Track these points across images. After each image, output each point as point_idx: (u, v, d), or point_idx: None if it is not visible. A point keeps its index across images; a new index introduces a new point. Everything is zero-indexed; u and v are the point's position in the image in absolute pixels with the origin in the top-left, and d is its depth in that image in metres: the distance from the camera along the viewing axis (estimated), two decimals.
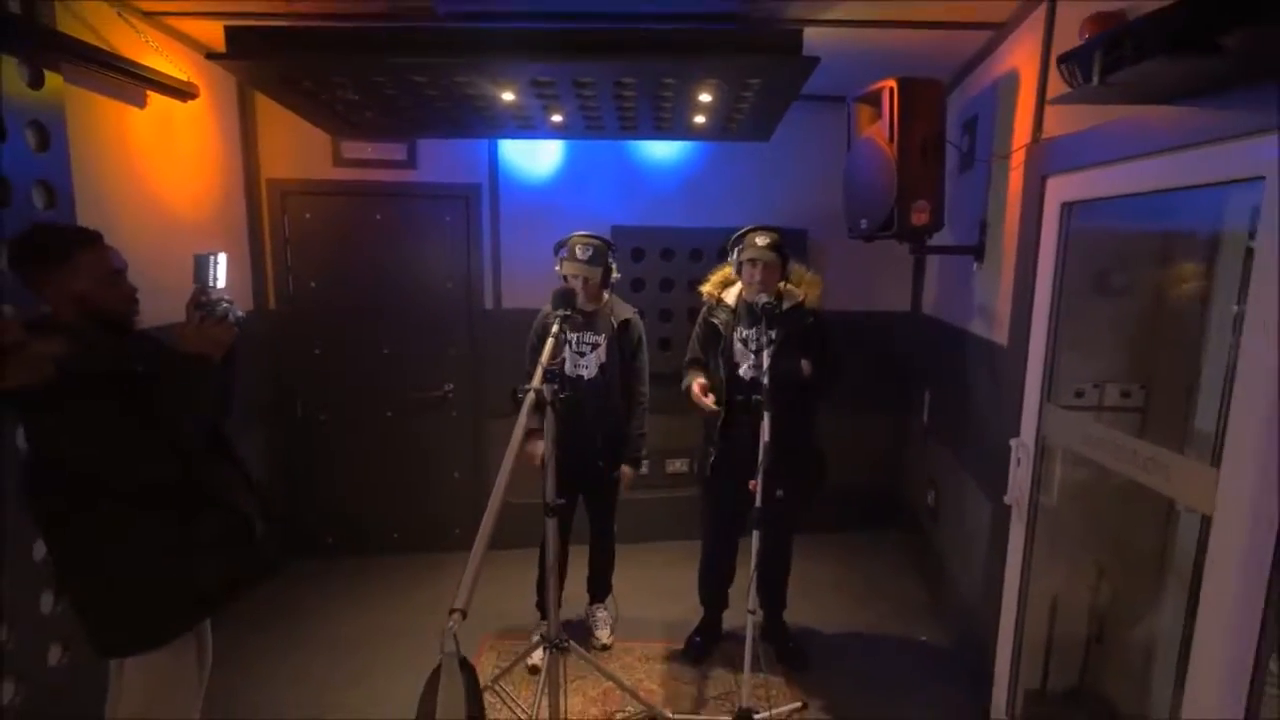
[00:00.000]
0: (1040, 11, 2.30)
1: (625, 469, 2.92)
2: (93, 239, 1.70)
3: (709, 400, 2.63)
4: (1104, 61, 1.44)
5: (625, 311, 2.90)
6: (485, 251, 3.67)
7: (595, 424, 2.78)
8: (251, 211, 3.43)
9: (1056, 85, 1.76)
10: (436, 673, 1.19)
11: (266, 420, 3.58)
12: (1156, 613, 2.43)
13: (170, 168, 2.79)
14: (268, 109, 3.29)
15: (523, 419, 1.66)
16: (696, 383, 2.66)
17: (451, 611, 1.17)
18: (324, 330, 3.61)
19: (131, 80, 2.46)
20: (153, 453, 1.62)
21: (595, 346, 2.79)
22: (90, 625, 1.68)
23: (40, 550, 2.07)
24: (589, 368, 2.79)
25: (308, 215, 3.53)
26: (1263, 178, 1.40)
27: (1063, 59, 1.59)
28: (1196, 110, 1.55)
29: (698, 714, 2.58)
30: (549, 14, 2.35)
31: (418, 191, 3.59)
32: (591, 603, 3.12)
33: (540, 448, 2.74)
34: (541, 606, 2.96)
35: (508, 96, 2.59)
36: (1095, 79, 1.46)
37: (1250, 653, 1.49)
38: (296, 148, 3.44)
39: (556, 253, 2.81)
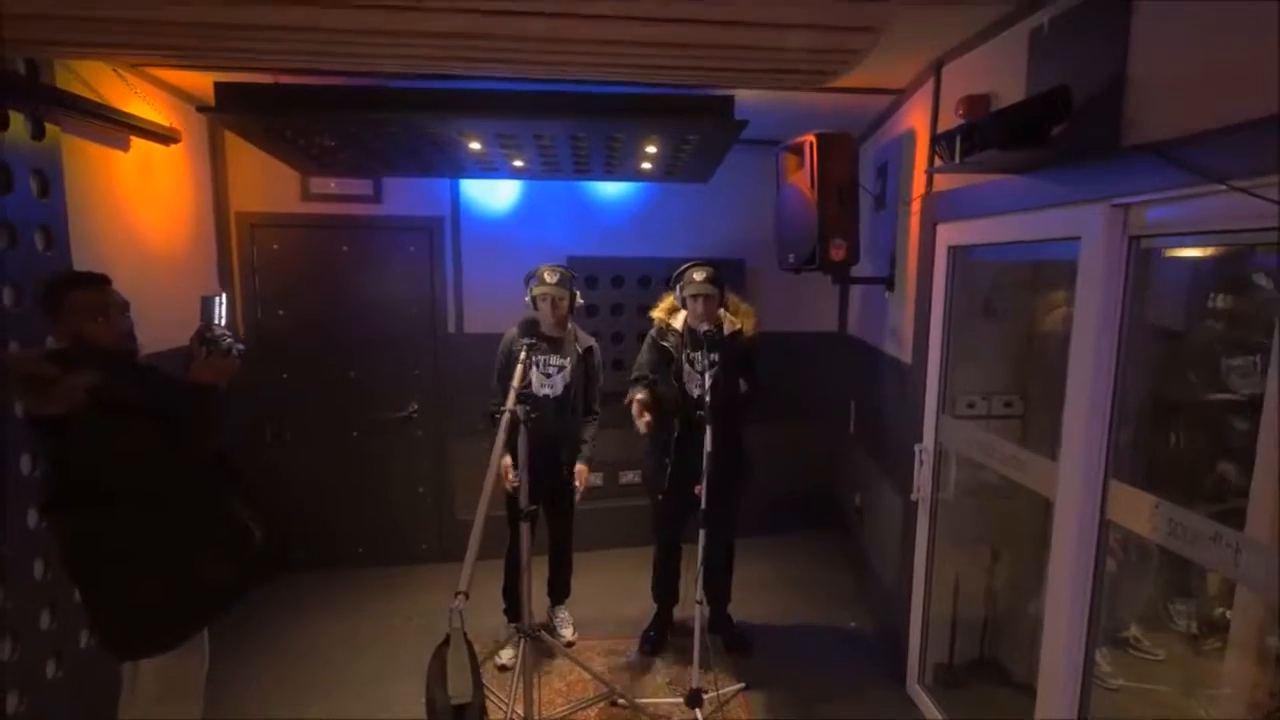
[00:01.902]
0: (929, 85, 2.74)
1: (580, 467, 3.18)
2: (92, 281, 1.90)
3: (645, 419, 2.91)
4: (962, 147, 1.84)
5: (587, 340, 3.22)
6: (448, 279, 3.92)
7: (558, 439, 3.06)
8: (221, 244, 3.59)
9: None
10: (440, 648, 1.46)
11: (236, 442, 3.71)
12: (1041, 589, 2.86)
13: (149, 206, 2.95)
14: (237, 147, 3.46)
15: (501, 436, 1.94)
16: (637, 400, 2.96)
17: (456, 594, 1.45)
18: (292, 356, 3.78)
19: (121, 129, 2.64)
20: (170, 469, 1.83)
21: (561, 369, 3.08)
22: (108, 631, 1.86)
23: (40, 569, 2.22)
24: (555, 388, 3.08)
25: (276, 247, 3.71)
26: (1079, 237, 1.82)
27: (934, 140, 2.00)
28: (1035, 182, 1.97)
29: (654, 698, 2.87)
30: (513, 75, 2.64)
31: (383, 224, 3.81)
32: (553, 605, 3.37)
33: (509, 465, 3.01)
34: (510, 613, 3.20)
35: (474, 145, 2.88)
36: (956, 159, 1.87)
37: (1085, 609, 1.90)
38: (265, 183, 3.62)
39: (527, 283, 3.09)
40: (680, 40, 1.57)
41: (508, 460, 3.02)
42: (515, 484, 2.86)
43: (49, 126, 2.29)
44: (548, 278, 2.99)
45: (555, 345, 3.08)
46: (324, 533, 3.94)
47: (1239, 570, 1.47)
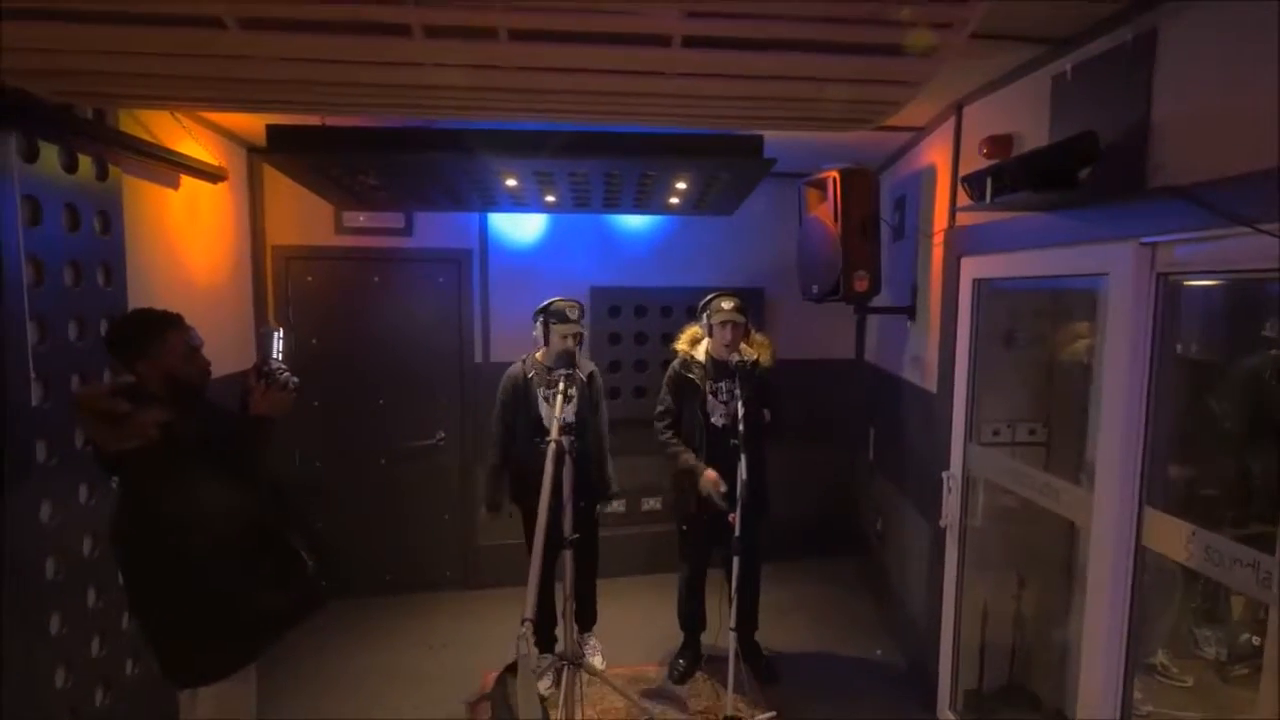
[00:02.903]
0: (950, 123, 2.84)
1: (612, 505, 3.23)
2: (177, 320, 1.98)
3: (721, 488, 2.92)
4: (993, 187, 1.93)
5: (589, 365, 3.29)
6: (475, 310, 4.01)
7: (576, 465, 3.09)
8: (257, 275, 3.68)
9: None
10: (504, 674, 1.51)
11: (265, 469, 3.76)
12: (1069, 615, 2.89)
13: (194, 240, 3.05)
14: (275, 182, 3.57)
15: (549, 468, 2.00)
16: (710, 474, 2.96)
17: (523, 621, 1.51)
18: (323, 384, 3.83)
19: (175, 168, 2.74)
20: (231, 501, 1.89)
21: (572, 398, 3.13)
22: (168, 661, 1.90)
23: (92, 597, 2.27)
24: (568, 416, 3.12)
25: (309, 278, 3.81)
26: (1107, 273, 1.90)
27: (964, 180, 2.09)
28: (1063, 220, 2.05)
29: None
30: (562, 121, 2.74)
31: (414, 256, 3.92)
32: (581, 632, 3.39)
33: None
34: (540, 643, 3.21)
35: (511, 182, 2.98)
36: (987, 199, 1.96)
37: (1123, 636, 1.93)
38: (301, 217, 3.73)
39: (536, 318, 3.14)
40: (728, 93, 1.66)
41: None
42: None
43: (111, 168, 2.39)
44: (570, 314, 3.06)
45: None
46: (349, 560, 3.95)
47: (1276, 595, 1.51)
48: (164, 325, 1.93)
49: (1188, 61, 1.66)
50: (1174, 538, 1.77)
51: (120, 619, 2.39)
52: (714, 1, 1.28)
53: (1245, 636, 2.91)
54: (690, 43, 1.40)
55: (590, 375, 3.23)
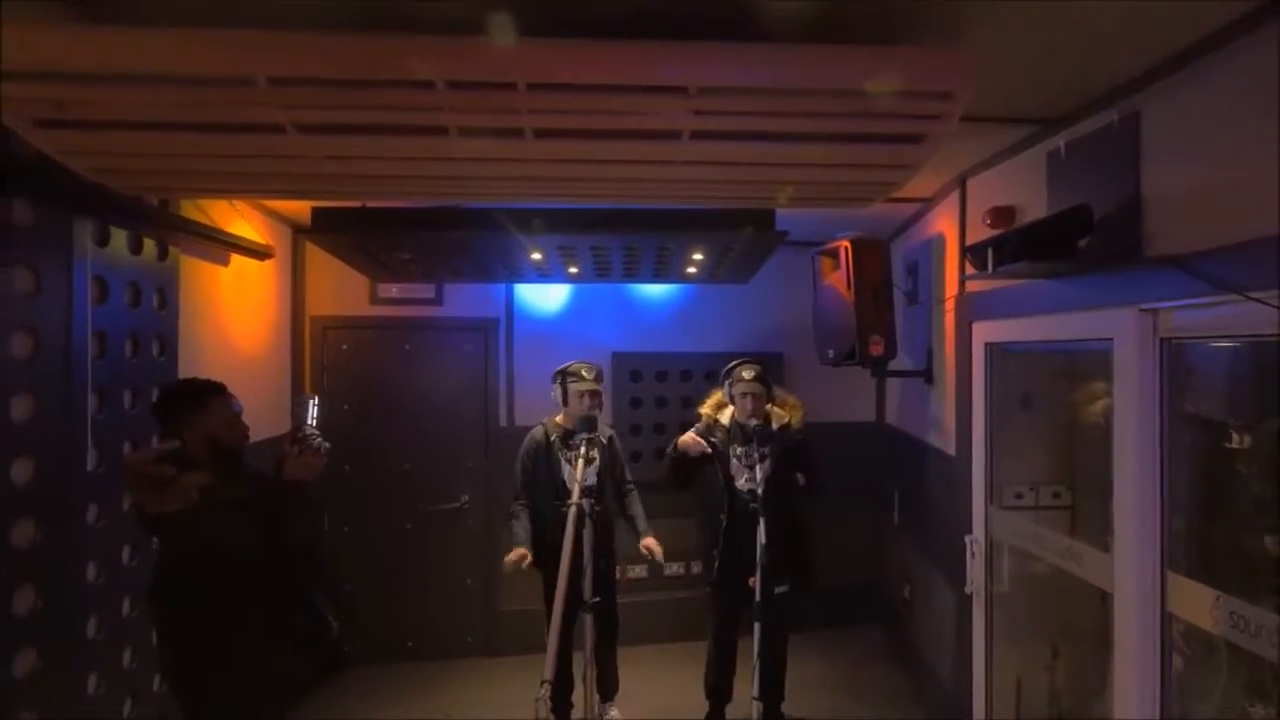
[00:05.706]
0: (955, 195, 2.96)
1: (649, 541, 3.29)
2: (220, 389, 2.12)
3: (701, 442, 3.09)
4: (994, 257, 2.02)
5: (607, 430, 3.39)
6: (501, 375, 4.14)
7: (596, 528, 3.12)
8: (295, 345, 3.88)
9: None
10: None
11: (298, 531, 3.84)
12: (1107, 688, 2.78)
13: (240, 313, 3.25)
14: (316, 257, 3.81)
15: (570, 530, 2.06)
16: (682, 436, 3.12)
17: (542, 683, 1.54)
18: (353, 449, 3.95)
19: (227, 248, 2.96)
20: (263, 562, 1.97)
21: (593, 461, 3.20)
22: (194, 716, 1.95)
23: (128, 657, 2.34)
24: (589, 478, 3.18)
25: (345, 346, 4.00)
26: (1112, 339, 1.95)
27: (967, 250, 2.18)
28: (1067, 287, 2.12)
29: None
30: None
31: (443, 325, 4.09)
32: (603, 701, 3.34)
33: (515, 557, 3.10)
34: (558, 711, 3.16)
35: (535, 256, 3.15)
36: (989, 269, 2.04)
37: (1155, 702, 1.88)
38: (338, 289, 3.94)
39: (556, 380, 3.25)
40: (735, 178, 1.80)
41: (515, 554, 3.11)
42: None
43: (170, 248, 2.61)
44: (586, 374, 3.17)
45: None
46: (372, 626, 3.97)
47: None
48: (208, 393, 2.07)
49: (1170, 141, 1.76)
50: (1198, 603, 1.75)
51: (152, 680, 2.44)
52: (718, 100, 1.43)
53: None
54: (698, 136, 1.54)
55: (610, 439, 3.32)
